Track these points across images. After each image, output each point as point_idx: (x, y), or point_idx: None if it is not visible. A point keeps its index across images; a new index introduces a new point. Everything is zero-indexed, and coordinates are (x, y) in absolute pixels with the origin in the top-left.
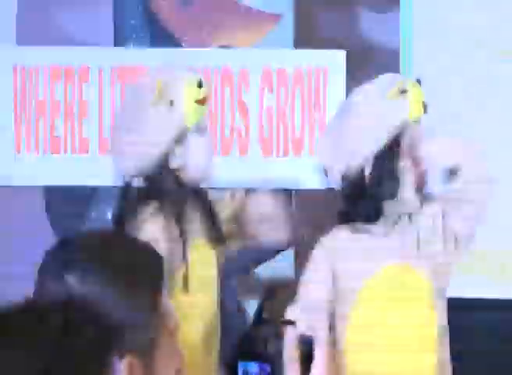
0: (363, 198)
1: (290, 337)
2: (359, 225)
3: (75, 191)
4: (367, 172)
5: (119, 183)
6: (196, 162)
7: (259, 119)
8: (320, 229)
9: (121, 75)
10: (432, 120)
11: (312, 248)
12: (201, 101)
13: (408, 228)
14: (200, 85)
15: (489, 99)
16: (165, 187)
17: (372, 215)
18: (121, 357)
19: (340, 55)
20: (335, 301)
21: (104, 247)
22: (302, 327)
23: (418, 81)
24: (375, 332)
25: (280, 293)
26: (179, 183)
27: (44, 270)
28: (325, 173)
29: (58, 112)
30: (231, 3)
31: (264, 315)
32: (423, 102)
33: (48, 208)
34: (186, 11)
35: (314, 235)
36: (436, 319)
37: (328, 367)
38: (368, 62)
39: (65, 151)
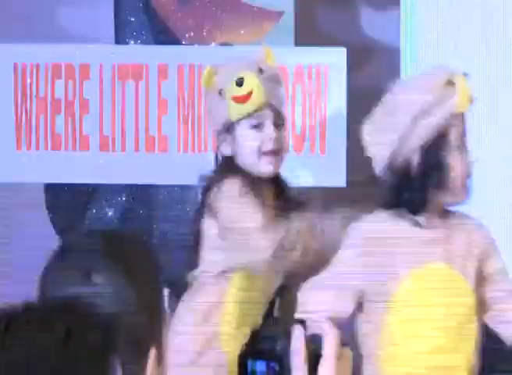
0: (409, 188)
1: (298, 335)
2: (403, 212)
3: (75, 188)
4: (414, 162)
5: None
6: (242, 155)
7: None
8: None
9: (121, 72)
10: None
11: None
12: (239, 99)
13: (458, 228)
14: (239, 83)
15: (492, 96)
16: (218, 170)
17: (418, 205)
18: (147, 349)
19: (341, 53)
20: (366, 289)
21: (120, 246)
22: (325, 308)
23: (465, 74)
24: (410, 341)
25: (292, 292)
26: (234, 169)
27: (60, 272)
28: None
29: (58, 110)
30: (232, 0)
31: (275, 313)
32: (470, 96)
33: (49, 206)
34: (187, 8)
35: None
36: (476, 332)
37: (337, 367)
38: (368, 60)
39: (66, 149)
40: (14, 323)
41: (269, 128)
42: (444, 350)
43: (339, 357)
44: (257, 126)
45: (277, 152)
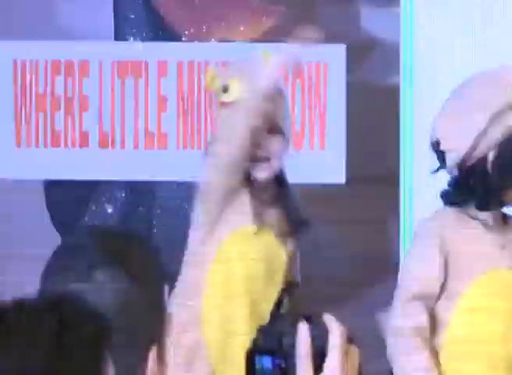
0: (483, 185)
1: (304, 332)
2: (471, 211)
3: (75, 184)
4: (490, 159)
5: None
6: None
7: None
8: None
9: (121, 69)
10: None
11: None
12: (223, 104)
13: None
14: (225, 90)
15: None
16: None
17: (491, 202)
18: (148, 347)
19: (341, 50)
20: (441, 291)
21: (122, 245)
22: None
23: None
24: (474, 347)
25: (299, 289)
26: None
27: (62, 269)
28: (440, 155)
29: (58, 106)
30: None
31: (282, 310)
32: None
33: (48, 202)
34: (187, 5)
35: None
36: None
37: (343, 364)
38: (368, 57)
39: (66, 145)
40: (10, 319)
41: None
42: (507, 356)
43: (346, 354)
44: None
45: (268, 159)
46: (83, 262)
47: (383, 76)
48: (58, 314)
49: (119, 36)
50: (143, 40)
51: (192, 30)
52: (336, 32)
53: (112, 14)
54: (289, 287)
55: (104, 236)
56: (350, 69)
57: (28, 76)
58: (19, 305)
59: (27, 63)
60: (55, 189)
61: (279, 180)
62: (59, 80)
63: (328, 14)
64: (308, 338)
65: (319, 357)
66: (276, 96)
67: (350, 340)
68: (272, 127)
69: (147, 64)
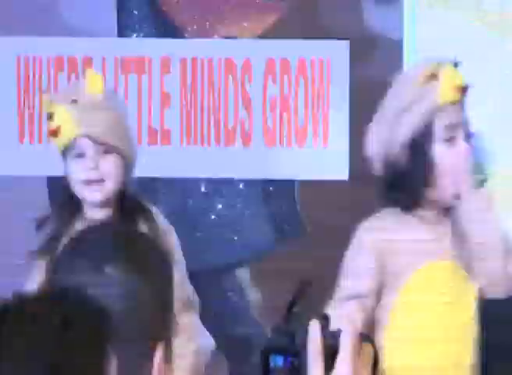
0: (398, 186)
1: (315, 330)
2: (404, 209)
3: None
4: (402, 159)
5: None
6: (72, 185)
7: (262, 110)
8: (324, 219)
9: (124, 65)
10: None
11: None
12: (50, 133)
13: (455, 222)
14: (49, 118)
15: (491, 87)
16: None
17: (410, 203)
18: (156, 343)
19: (344, 45)
20: (379, 292)
21: (135, 242)
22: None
23: (456, 64)
24: (413, 341)
25: (313, 287)
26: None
27: (72, 263)
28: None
29: None
30: None
31: (296, 309)
32: (461, 85)
33: (51, 199)
34: (190, 1)
35: (318, 226)
36: (474, 332)
37: (356, 363)
38: (371, 52)
39: None
40: (13, 315)
41: (89, 157)
42: (446, 350)
43: (359, 353)
44: (81, 156)
45: (100, 180)
46: (93, 256)
47: (386, 71)
48: (60, 311)
49: (122, 32)
50: (146, 36)
51: (195, 27)
52: (338, 28)
53: (115, 10)
54: (302, 286)
55: (119, 232)
56: (353, 65)
57: (31, 73)
58: (20, 303)
59: (30, 59)
60: (58, 185)
61: (121, 201)
62: (62, 76)
63: (331, 10)
64: (319, 336)
65: (332, 355)
66: (102, 112)
67: (364, 338)
68: (102, 147)
69: (150, 60)
